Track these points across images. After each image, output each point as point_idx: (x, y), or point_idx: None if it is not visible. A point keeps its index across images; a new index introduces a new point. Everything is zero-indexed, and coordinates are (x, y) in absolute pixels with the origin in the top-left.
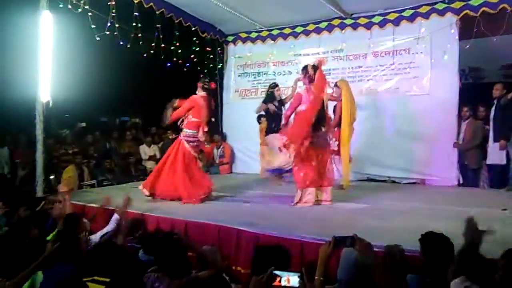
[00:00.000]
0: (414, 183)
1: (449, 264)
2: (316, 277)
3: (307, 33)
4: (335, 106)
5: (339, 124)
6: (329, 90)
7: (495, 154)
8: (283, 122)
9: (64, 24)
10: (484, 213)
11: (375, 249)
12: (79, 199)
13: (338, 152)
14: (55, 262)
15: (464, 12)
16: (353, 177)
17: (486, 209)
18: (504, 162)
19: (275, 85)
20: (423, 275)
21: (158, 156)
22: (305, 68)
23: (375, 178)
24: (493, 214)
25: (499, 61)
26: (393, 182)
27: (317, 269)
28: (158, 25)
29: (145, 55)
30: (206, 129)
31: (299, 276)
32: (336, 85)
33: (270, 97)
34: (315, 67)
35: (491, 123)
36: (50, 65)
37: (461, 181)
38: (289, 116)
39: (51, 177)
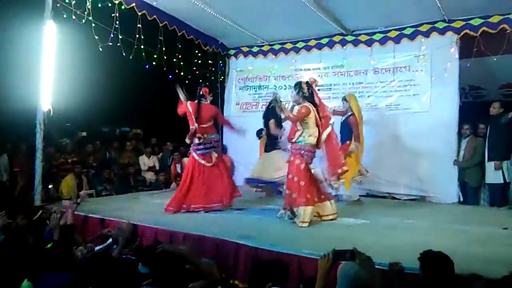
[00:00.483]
0: (414, 199)
1: (448, 282)
2: None
3: (308, 48)
4: (346, 121)
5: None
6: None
7: (494, 173)
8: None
9: (67, 34)
10: (485, 231)
11: (375, 266)
12: (77, 209)
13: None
14: (48, 271)
15: (464, 31)
16: (352, 193)
17: (487, 228)
18: (501, 181)
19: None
20: None
21: (157, 167)
22: (299, 84)
23: (375, 194)
24: (494, 233)
25: (499, 80)
26: (393, 198)
27: (316, 283)
28: (161, 37)
29: (147, 66)
30: (190, 135)
31: None
32: (344, 99)
33: (272, 111)
34: (309, 85)
35: (487, 142)
36: (52, 74)
37: (461, 199)
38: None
39: (50, 186)
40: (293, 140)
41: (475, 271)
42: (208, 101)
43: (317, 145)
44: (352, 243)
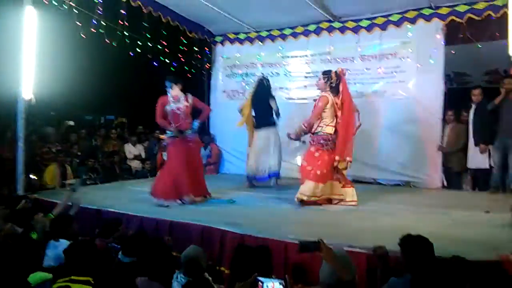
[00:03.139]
0: (399, 185)
1: (429, 264)
2: None
3: (295, 35)
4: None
5: None
6: None
7: (478, 159)
8: (305, 129)
9: (48, 20)
10: (467, 215)
11: (360, 250)
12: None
13: None
14: None
15: (450, 18)
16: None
17: (469, 212)
18: (486, 166)
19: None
20: (405, 277)
21: (143, 156)
22: (328, 73)
23: (360, 180)
24: (476, 216)
25: (483, 67)
26: (379, 184)
27: None
28: (145, 24)
29: (131, 53)
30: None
31: (281, 283)
32: None
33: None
34: (338, 75)
35: (471, 128)
36: (33, 62)
37: (445, 184)
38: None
39: (32, 176)
40: (312, 131)
41: (457, 254)
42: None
43: (334, 133)
44: (337, 228)
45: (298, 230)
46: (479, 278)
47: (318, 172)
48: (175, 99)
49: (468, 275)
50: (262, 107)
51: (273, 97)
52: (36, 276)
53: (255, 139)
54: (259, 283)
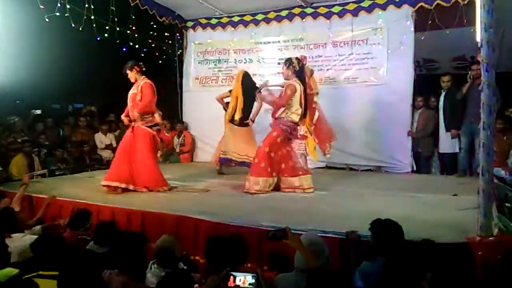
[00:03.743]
0: (370, 170)
1: (399, 247)
2: None
3: (268, 21)
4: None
5: None
6: None
7: (447, 143)
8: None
9: (9, 4)
10: (436, 198)
11: (333, 236)
12: (28, 190)
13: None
14: None
15: (420, 4)
16: (311, 165)
17: (439, 195)
18: (456, 150)
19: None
20: (377, 261)
21: (114, 145)
22: (289, 60)
23: (333, 165)
24: (445, 199)
25: (451, 53)
26: (351, 169)
27: None
28: (112, 8)
29: (98, 38)
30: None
31: (254, 277)
32: None
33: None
34: (299, 60)
35: (441, 113)
36: None
37: (414, 168)
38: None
39: None
40: (276, 116)
41: (426, 236)
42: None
43: (299, 121)
44: (311, 214)
45: (272, 218)
46: (448, 260)
47: (269, 169)
48: (134, 84)
49: (437, 258)
50: (249, 103)
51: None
52: (2, 272)
53: (237, 131)
54: (231, 277)
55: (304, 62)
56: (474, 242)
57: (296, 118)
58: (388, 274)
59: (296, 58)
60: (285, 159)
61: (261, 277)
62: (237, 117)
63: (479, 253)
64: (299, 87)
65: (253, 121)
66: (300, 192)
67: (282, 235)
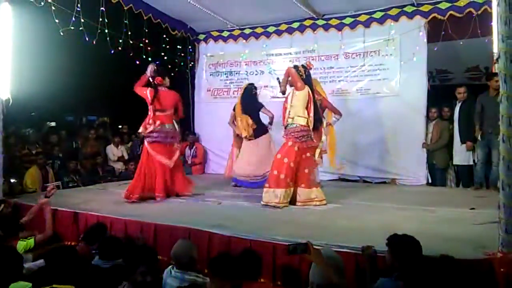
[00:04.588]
0: (384, 182)
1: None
2: None
3: (279, 33)
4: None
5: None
6: None
7: (462, 155)
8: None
9: (25, 18)
10: (452, 212)
11: (348, 251)
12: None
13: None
14: None
15: (432, 15)
16: (325, 177)
17: (455, 209)
18: (471, 162)
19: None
20: (394, 277)
21: (126, 157)
22: (295, 67)
23: (346, 178)
24: (462, 213)
25: (465, 64)
26: (365, 181)
27: None
28: (126, 21)
29: (112, 52)
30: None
31: None
32: None
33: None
34: (305, 68)
35: (456, 125)
36: (10, 61)
37: (429, 181)
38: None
39: (12, 180)
40: (284, 124)
41: (444, 252)
42: (166, 85)
43: (309, 124)
44: (325, 228)
45: (286, 231)
46: (467, 277)
47: (289, 180)
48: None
49: (457, 274)
50: (256, 115)
51: (262, 105)
52: (17, 286)
53: (251, 145)
54: None
55: (311, 68)
56: (495, 259)
57: (303, 121)
58: None
59: (302, 65)
60: (304, 167)
61: None
62: (245, 134)
63: (501, 270)
64: (309, 91)
65: (271, 124)
66: (314, 205)
67: (304, 249)
